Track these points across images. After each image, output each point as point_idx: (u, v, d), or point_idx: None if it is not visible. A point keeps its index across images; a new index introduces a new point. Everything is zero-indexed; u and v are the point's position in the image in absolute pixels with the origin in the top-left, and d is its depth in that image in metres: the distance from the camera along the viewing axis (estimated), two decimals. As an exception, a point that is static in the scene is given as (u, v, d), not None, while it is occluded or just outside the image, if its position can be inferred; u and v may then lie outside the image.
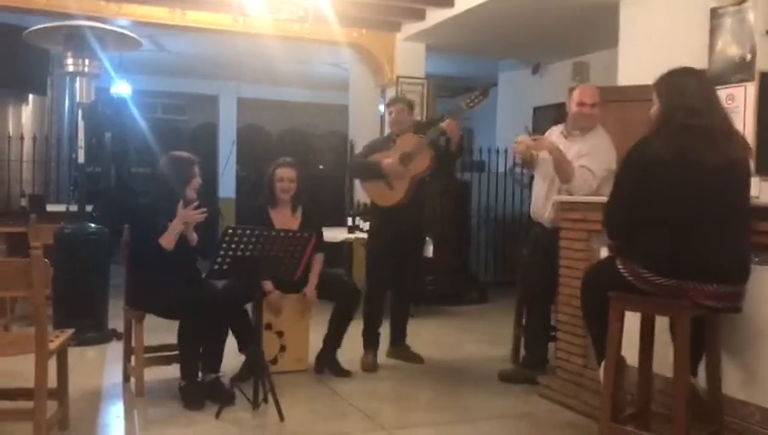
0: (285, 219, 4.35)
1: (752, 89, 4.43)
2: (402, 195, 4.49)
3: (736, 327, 2.94)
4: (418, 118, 6.40)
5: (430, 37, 7.31)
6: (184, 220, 3.86)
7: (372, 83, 7.88)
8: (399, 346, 4.81)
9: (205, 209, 3.92)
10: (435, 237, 6.25)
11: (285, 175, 4.34)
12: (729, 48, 4.57)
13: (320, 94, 11.43)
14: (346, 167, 5.02)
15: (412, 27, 7.22)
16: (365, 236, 5.80)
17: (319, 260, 4.37)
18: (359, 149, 6.11)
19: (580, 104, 4.12)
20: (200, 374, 3.87)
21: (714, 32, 4.65)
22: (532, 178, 4.48)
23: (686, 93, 2.81)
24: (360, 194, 6.95)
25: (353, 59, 8.10)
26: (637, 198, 2.80)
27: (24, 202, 7.57)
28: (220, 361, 3.91)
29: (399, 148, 4.52)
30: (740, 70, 4.51)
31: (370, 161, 4.61)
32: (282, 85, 11.07)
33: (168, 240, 3.82)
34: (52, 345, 2.97)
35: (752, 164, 2.94)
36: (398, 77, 7.47)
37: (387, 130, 5.33)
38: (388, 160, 4.48)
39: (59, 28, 5.14)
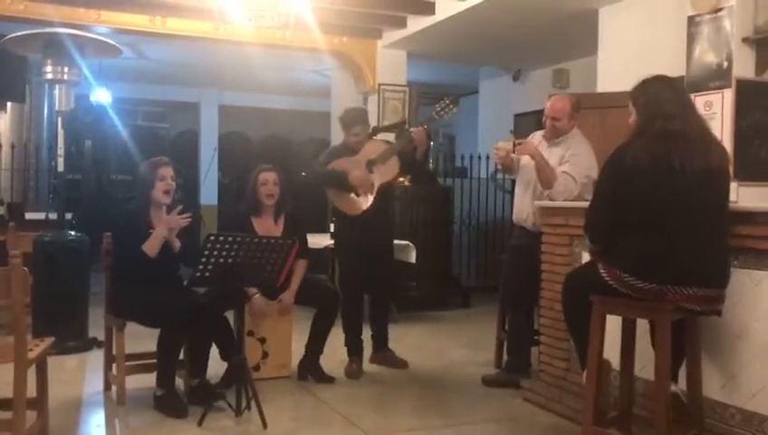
0: (268, 227, 4.30)
1: (729, 95, 4.50)
2: (370, 204, 4.45)
3: (716, 330, 2.97)
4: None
5: (411, 45, 7.34)
6: (168, 226, 3.83)
7: (354, 90, 7.88)
8: (383, 351, 4.79)
9: (189, 214, 3.90)
10: (417, 243, 6.28)
11: (269, 178, 4.30)
12: (706, 55, 4.64)
13: (301, 101, 11.42)
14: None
15: (393, 35, 7.25)
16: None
17: (302, 267, 4.35)
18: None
19: (545, 116, 4.19)
20: (186, 380, 3.85)
21: (691, 39, 4.72)
22: (513, 183, 4.50)
23: (663, 101, 2.84)
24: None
25: (335, 66, 8.12)
26: (617, 203, 2.83)
27: (2, 210, 7.49)
28: (206, 366, 3.90)
29: (365, 154, 4.49)
30: (717, 77, 4.57)
31: (336, 171, 4.47)
32: (263, 92, 11.06)
33: (151, 247, 3.78)
34: (32, 354, 2.92)
35: (730, 169, 2.98)
36: (379, 84, 7.49)
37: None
38: (357, 174, 4.42)
39: (38, 35, 5.08)
